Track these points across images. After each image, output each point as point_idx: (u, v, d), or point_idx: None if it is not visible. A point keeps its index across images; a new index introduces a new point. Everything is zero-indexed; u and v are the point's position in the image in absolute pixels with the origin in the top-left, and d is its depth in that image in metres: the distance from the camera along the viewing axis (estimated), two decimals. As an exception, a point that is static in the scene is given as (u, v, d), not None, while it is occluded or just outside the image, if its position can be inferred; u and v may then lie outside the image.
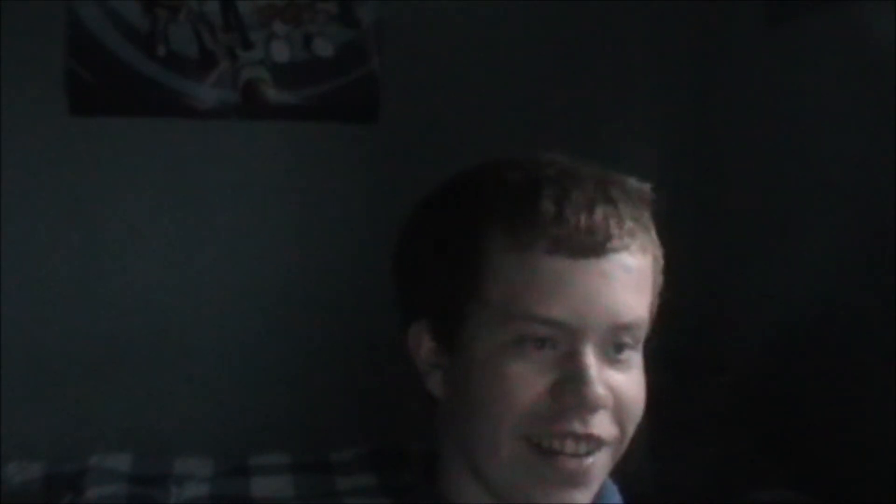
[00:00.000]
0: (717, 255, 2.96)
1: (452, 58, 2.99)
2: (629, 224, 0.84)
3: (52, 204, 2.87)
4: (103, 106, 2.88)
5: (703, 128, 3.03)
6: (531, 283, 0.82)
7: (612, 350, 0.84)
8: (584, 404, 0.82)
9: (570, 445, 0.82)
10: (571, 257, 0.82)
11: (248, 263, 2.97)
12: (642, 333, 0.86)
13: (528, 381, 0.82)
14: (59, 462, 2.70)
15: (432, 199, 0.91)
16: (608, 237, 0.82)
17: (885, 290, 2.20)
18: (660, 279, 0.88)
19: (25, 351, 2.84)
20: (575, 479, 0.83)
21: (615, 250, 0.82)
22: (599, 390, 0.82)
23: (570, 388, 0.81)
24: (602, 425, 0.83)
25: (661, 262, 0.88)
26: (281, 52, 2.92)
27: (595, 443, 0.83)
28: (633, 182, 0.88)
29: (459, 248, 0.84)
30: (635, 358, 0.86)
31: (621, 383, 0.84)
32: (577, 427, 0.82)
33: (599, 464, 0.84)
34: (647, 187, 0.88)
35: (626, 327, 0.84)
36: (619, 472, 0.90)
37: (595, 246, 0.82)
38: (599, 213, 0.82)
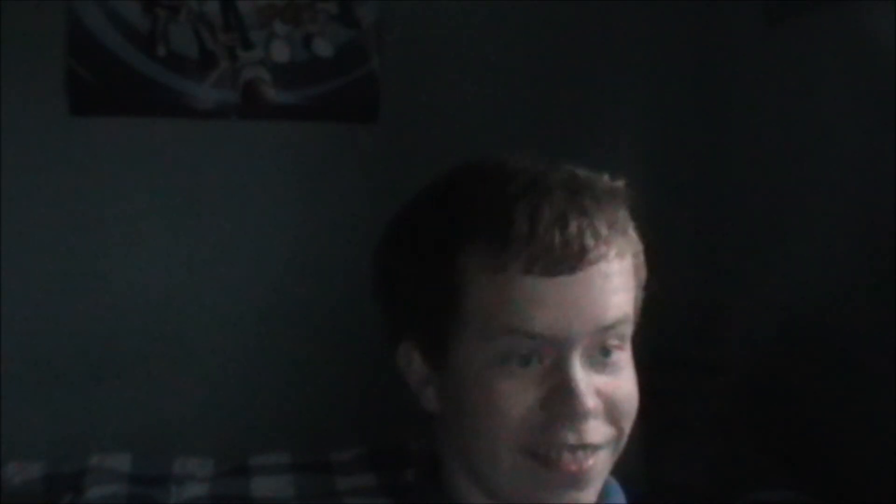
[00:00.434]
0: (716, 255, 2.96)
1: (452, 58, 2.99)
2: (604, 232, 0.83)
3: (52, 204, 2.87)
4: (103, 106, 2.88)
5: (703, 127, 3.03)
6: (509, 301, 0.82)
7: (600, 354, 0.84)
8: (574, 417, 0.82)
9: (566, 455, 0.83)
10: (548, 275, 0.81)
11: (248, 263, 2.97)
12: (628, 330, 0.86)
13: (518, 397, 0.82)
14: (59, 462, 2.70)
15: (405, 219, 0.90)
16: (583, 251, 0.82)
17: (885, 290, 2.20)
18: (642, 272, 0.88)
19: (25, 351, 2.84)
20: (577, 482, 0.84)
21: (592, 262, 0.82)
22: (588, 402, 0.82)
23: (560, 401, 0.82)
24: (596, 432, 0.84)
25: (642, 256, 0.88)
26: (281, 52, 2.92)
27: (591, 448, 0.84)
28: (605, 182, 0.87)
29: (436, 271, 0.84)
30: (624, 358, 0.86)
31: (612, 386, 0.84)
32: (571, 438, 0.83)
33: (599, 463, 0.85)
34: (620, 185, 0.88)
35: (611, 328, 0.84)
36: (619, 472, 0.90)
37: (571, 262, 0.82)
38: (573, 226, 0.82)
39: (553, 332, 0.82)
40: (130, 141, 2.90)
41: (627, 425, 0.86)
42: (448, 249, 0.84)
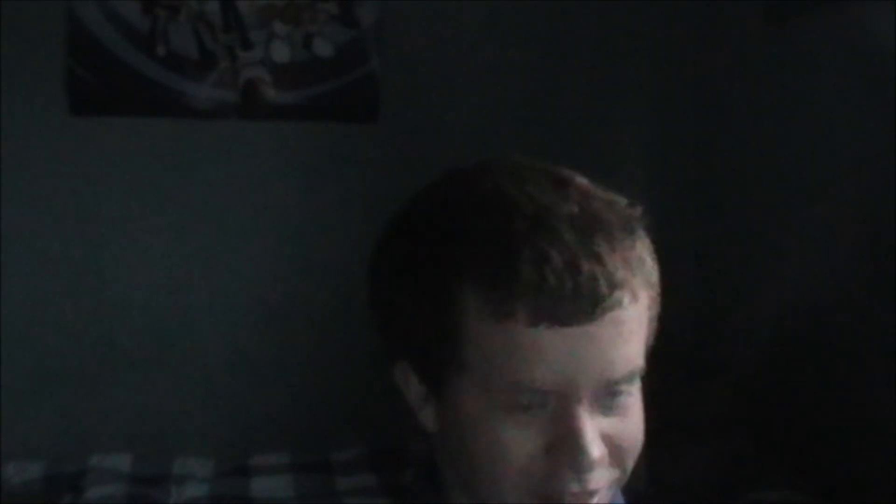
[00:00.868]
0: (716, 255, 2.96)
1: (452, 58, 2.98)
2: (619, 276, 0.77)
3: (52, 204, 2.87)
4: (103, 106, 2.88)
5: (703, 127, 3.03)
6: (513, 354, 0.77)
7: (607, 398, 0.80)
8: (580, 469, 0.79)
9: (570, 499, 0.81)
10: (556, 326, 0.76)
11: (248, 263, 2.97)
12: (639, 375, 0.82)
13: (522, 443, 0.79)
14: (59, 462, 2.70)
15: (399, 238, 0.85)
16: (596, 301, 0.76)
17: (885, 290, 2.20)
18: (657, 306, 0.83)
19: (25, 351, 2.84)
20: None
21: (605, 312, 0.76)
22: (595, 453, 0.78)
23: (565, 451, 0.78)
24: (600, 479, 0.81)
25: (658, 287, 0.82)
26: (281, 52, 2.92)
27: (594, 493, 0.81)
28: (619, 213, 0.80)
29: (433, 309, 0.79)
30: (633, 396, 0.82)
31: (618, 430, 0.81)
32: (575, 487, 0.80)
33: (603, 499, 0.83)
34: (636, 213, 0.82)
35: (619, 380, 0.80)
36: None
37: (582, 312, 0.76)
38: (584, 274, 0.75)
39: (558, 387, 0.77)
40: (130, 141, 2.90)
41: (631, 465, 0.83)
42: (446, 287, 0.78)
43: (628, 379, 0.81)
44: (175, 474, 2.69)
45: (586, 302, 0.76)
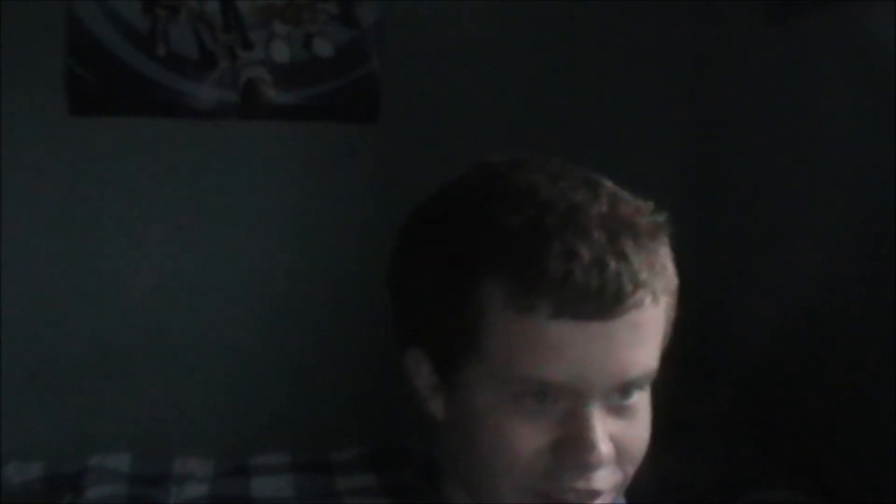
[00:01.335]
0: (716, 255, 2.96)
1: (452, 58, 2.99)
2: (643, 276, 0.79)
3: (52, 204, 2.87)
4: (103, 106, 2.88)
5: (703, 127, 3.03)
6: (532, 347, 0.78)
7: (619, 397, 0.81)
8: (587, 467, 0.80)
9: (572, 496, 0.81)
10: (577, 320, 0.77)
11: (248, 263, 2.97)
12: (651, 378, 0.83)
13: (529, 437, 0.80)
14: (59, 462, 2.70)
15: (428, 225, 0.86)
16: (619, 299, 0.77)
17: (885, 290, 2.20)
18: (674, 311, 0.84)
19: (25, 351, 2.84)
20: None
21: (626, 310, 0.78)
22: (603, 451, 0.79)
23: (573, 450, 0.79)
24: (605, 479, 0.81)
25: (677, 293, 0.84)
26: (281, 52, 2.92)
27: (597, 494, 0.82)
28: (646, 217, 0.82)
29: (457, 297, 0.80)
30: (642, 400, 0.83)
31: (626, 433, 0.82)
32: (580, 485, 0.80)
33: (606, 500, 0.83)
34: (661, 219, 0.83)
35: (633, 382, 0.81)
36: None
37: (603, 309, 0.77)
38: (610, 272, 0.77)
39: (573, 384, 0.78)
40: (130, 141, 2.90)
41: (633, 470, 0.84)
42: (473, 276, 0.79)
43: (641, 381, 0.82)
44: (175, 474, 2.69)
45: (610, 299, 0.77)
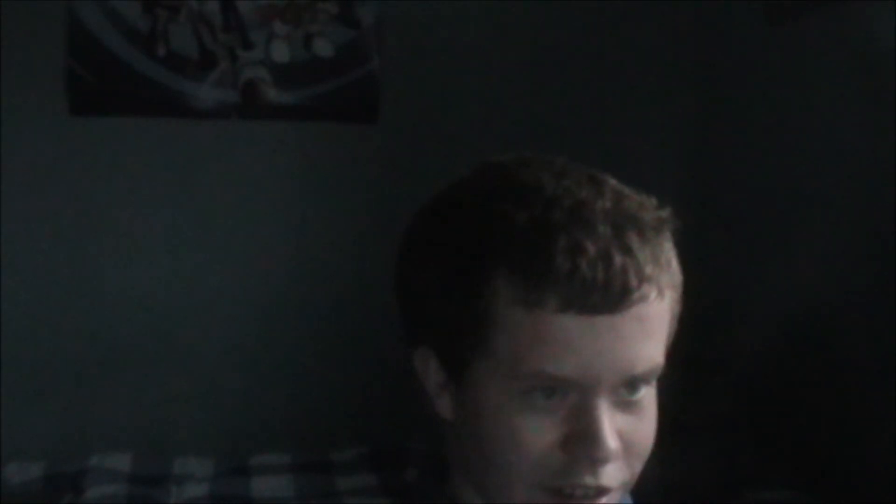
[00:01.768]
0: (717, 255, 2.96)
1: (452, 58, 2.99)
2: (648, 270, 0.79)
3: (52, 204, 2.87)
4: (103, 106, 2.88)
5: (703, 127, 3.03)
6: (540, 342, 0.78)
7: (626, 392, 0.82)
8: (595, 459, 0.80)
9: (581, 491, 0.81)
10: (584, 314, 0.78)
11: (249, 263, 2.97)
12: (658, 373, 0.83)
13: (539, 433, 0.80)
14: (59, 462, 2.70)
15: (435, 223, 0.86)
16: (625, 293, 0.78)
17: (885, 290, 2.20)
18: (679, 306, 0.85)
19: (25, 351, 2.84)
20: None
21: (633, 303, 0.79)
22: (611, 445, 0.80)
23: (582, 445, 0.80)
24: (613, 475, 0.82)
25: (681, 288, 0.85)
26: (281, 52, 2.92)
27: (606, 490, 0.82)
28: (651, 212, 0.83)
29: (464, 293, 0.81)
30: (649, 395, 0.84)
31: (633, 428, 0.82)
32: (589, 480, 0.81)
33: (613, 499, 0.84)
34: (665, 214, 0.84)
35: (640, 377, 0.81)
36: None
37: (610, 302, 0.78)
38: (616, 265, 0.78)
39: (581, 378, 0.79)
40: (130, 141, 2.90)
41: (640, 466, 0.85)
42: (480, 272, 0.80)
43: (648, 376, 0.82)
44: (175, 474, 2.69)
45: (616, 293, 0.78)
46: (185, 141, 2.93)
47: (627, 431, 0.82)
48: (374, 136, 2.98)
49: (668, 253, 0.83)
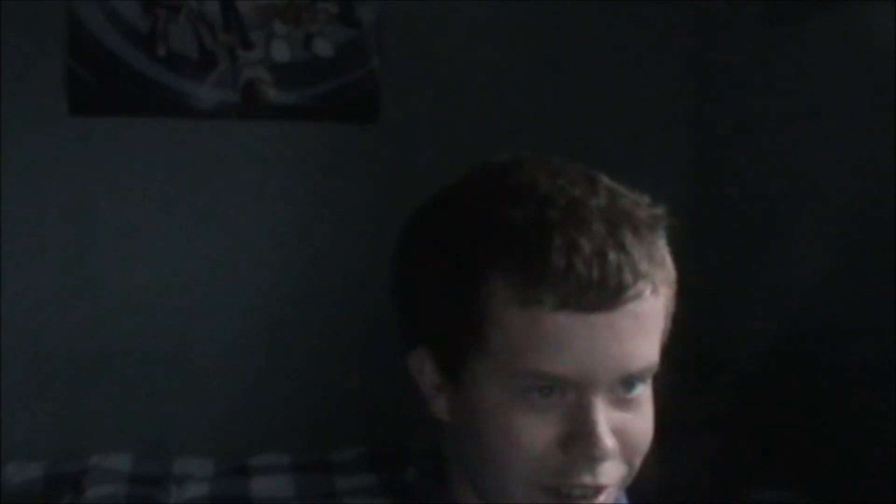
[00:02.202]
0: (716, 254, 2.96)
1: (452, 58, 2.99)
2: (643, 268, 0.80)
3: (52, 204, 2.87)
4: (103, 106, 2.88)
5: (703, 127, 3.04)
6: (536, 340, 0.79)
7: (622, 390, 0.82)
8: (593, 458, 0.80)
9: (578, 491, 0.82)
10: (581, 312, 0.78)
11: (248, 263, 2.97)
12: (654, 371, 0.84)
13: (536, 432, 0.80)
14: (59, 462, 2.70)
15: (431, 223, 0.86)
16: (620, 290, 0.78)
17: (885, 290, 2.20)
18: (673, 303, 0.85)
19: (25, 351, 2.84)
20: None
21: (628, 300, 0.79)
22: (608, 443, 0.80)
23: (579, 443, 0.80)
24: (611, 473, 0.82)
25: (675, 285, 0.85)
26: (281, 52, 2.92)
27: (602, 488, 0.82)
28: (645, 210, 0.83)
29: (461, 293, 0.81)
30: (646, 393, 0.84)
31: (631, 425, 0.82)
32: (587, 479, 0.81)
33: (611, 497, 0.84)
34: (659, 212, 0.84)
35: (636, 375, 0.82)
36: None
37: (606, 300, 0.78)
38: (611, 263, 0.78)
39: (578, 377, 0.79)
40: (130, 141, 2.90)
41: (639, 463, 0.85)
42: (476, 272, 0.80)
43: (644, 373, 0.83)
44: (175, 474, 2.69)
45: (611, 290, 0.78)
46: (185, 141, 2.93)
47: (624, 429, 0.82)
48: (374, 136, 2.98)
49: (663, 250, 0.83)
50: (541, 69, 3.03)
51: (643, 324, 0.81)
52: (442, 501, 0.90)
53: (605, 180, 0.85)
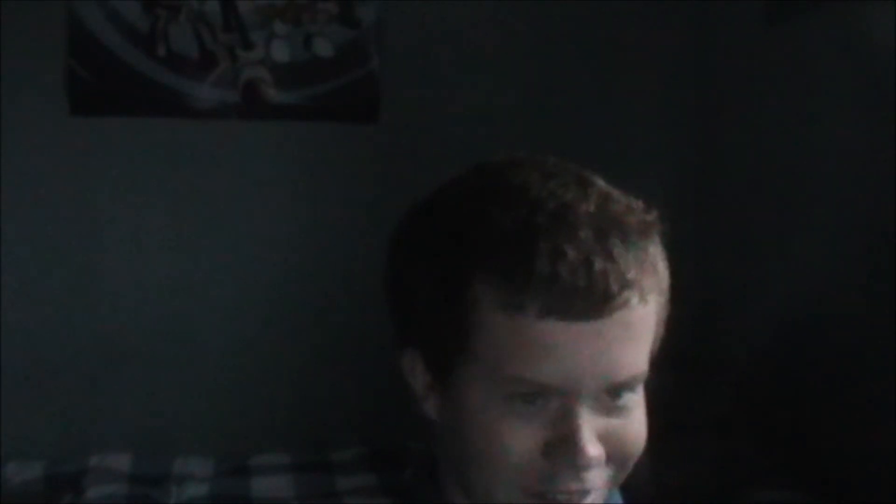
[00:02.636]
0: (716, 255, 2.96)
1: (452, 58, 2.99)
2: (631, 276, 0.78)
3: (52, 204, 2.87)
4: (103, 106, 2.88)
5: (703, 127, 3.03)
6: (521, 347, 0.77)
7: (609, 398, 0.81)
8: (577, 468, 0.80)
9: (563, 496, 0.81)
10: (566, 320, 0.77)
11: (248, 263, 2.97)
12: (642, 380, 0.82)
13: (520, 438, 0.79)
14: (59, 462, 2.70)
15: (421, 223, 0.86)
16: (606, 298, 0.77)
17: (884, 290, 2.20)
18: (665, 310, 0.84)
19: (25, 351, 2.84)
20: None
21: (614, 309, 0.77)
22: (592, 451, 0.79)
23: (563, 451, 0.79)
24: (596, 478, 0.81)
25: (668, 292, 0.83)
26: (281, 52, 2.92)
27: (588, 492, 0.82)
28: (637, 215, 0.82)
29: (447, 296, 0.80)
30: (635, 398, 0.83)
31: (619, 431, 0.81)
32: (572, 486, 0.80)
33: (598, 498, 0.83)
34: (652, 217, 0.83)
35: (623, 384, 0.80)
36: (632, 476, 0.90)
37: (591, 308, 0.77)
38: (597, 271, 0.76)
39: (562, 385, 0.78)
40: (130, 141, 2.90)
41: (630, 465, 0.84)
42: (462, 275, 0.79)
43: (632, 383, 0.81)
44: (175, 474, 2.69)
45: (597, 298, 0.77)
46: (185, 141, 2.93)
47: (613, 435, 0.81)
48: (374, 136, 2.98)
49: (654, 257, 0.81)
50: (540, 69, 3.03)
51: (630, 332, 0.79)
52: (434, 502, 0.90)
53: (600, 184, 0.84)
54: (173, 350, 2.93)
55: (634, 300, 0.78)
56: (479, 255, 0.79)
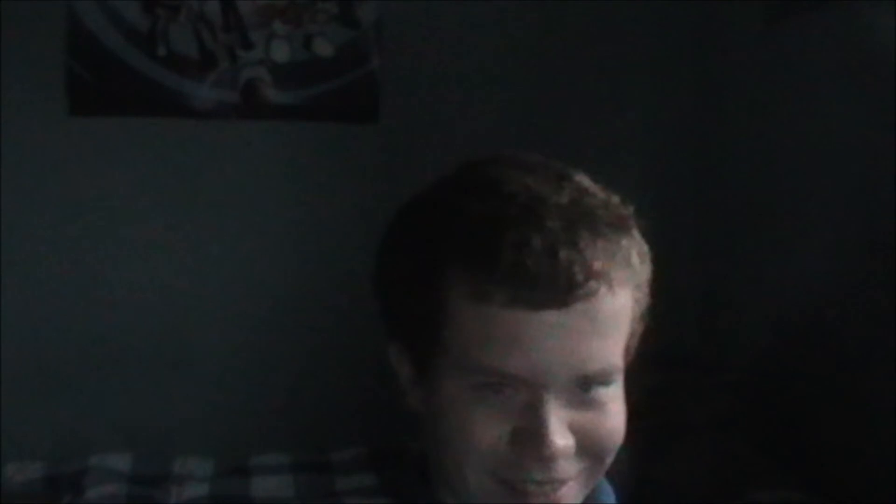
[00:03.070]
0: (716, 255, 2.96)
1: (452, 58, 2.99)
2: (597, 267, 0.78)
3: (52, 204, 2.87)
4: (103, 106, 2.88)
5: (702, 127, 3.03)
6: (488, 337, 0.78)
7: (580, 391, 0.80)
8: (541, 458, 0.80)
9: (532, 486, 0.81)
10: (531, 309, 0.77)
11: (248, 263, 2.97)
12: (615, 375, 0.82)
13: (487, 427, 0.80)
14: (59, 462, 2.70)
15: (404, 219, 0.87)
16: (570, 287, 0.77)
17: (885, 290, 2.20)
18: (643, 303, 0.84)
19: (25, 351, 2.84)
20: None
21: (579, 299, 0.78)
22: (558, 443, 0.79)
23: (528, 441, 0.79)
24: (565, 469, 0.81)
25: (646, 286, 0.84)
26: (281, 52, 2.92)
27: (560, 482, 0.82)
28: (609, 209, 0.82)
29: (421, 287, 0.82)
30: (609, 393, 0.82)
31: (591, 424, 0.81)
32: (538, 475, 0.81)
33: (571, 492, 0.83)
34: (626, 212, 0.83)
35: (592, 377, 0.80)
36: (615, 473, 0.90)
37: (556, 298, 0.77)
38: (562, 261, 0.77)
39: (529, 376, 0.79)
40: (130, 141, 2.90)
41: (607, 458, 0.84)
42: (435, 266, 0.81)
43: (602, 376, 0.81)
44: (175, 474, 2.69)
45: (560, 287, 0.77)
46: (185, 141, 2.93)
47: (584, 428, 0.81)
48: (374, 136, 2.98)
49: (628, 251, 0.82)
50: (540, 69, 3.03)
51: (598, 325, 0.79)
52: (425, 500, 0.91)
53: (578, 179, 0.84)
54: (173, 350, 2.93)
55: (602, 291, 0.79)
56: (449, 246, 0.80)
